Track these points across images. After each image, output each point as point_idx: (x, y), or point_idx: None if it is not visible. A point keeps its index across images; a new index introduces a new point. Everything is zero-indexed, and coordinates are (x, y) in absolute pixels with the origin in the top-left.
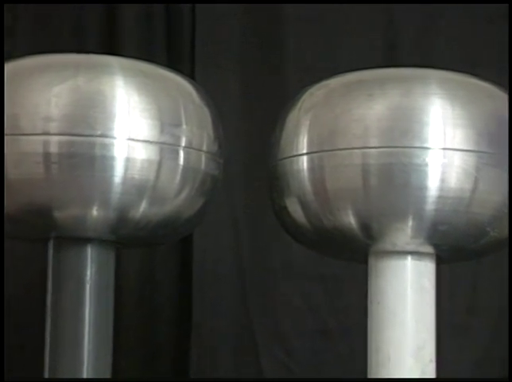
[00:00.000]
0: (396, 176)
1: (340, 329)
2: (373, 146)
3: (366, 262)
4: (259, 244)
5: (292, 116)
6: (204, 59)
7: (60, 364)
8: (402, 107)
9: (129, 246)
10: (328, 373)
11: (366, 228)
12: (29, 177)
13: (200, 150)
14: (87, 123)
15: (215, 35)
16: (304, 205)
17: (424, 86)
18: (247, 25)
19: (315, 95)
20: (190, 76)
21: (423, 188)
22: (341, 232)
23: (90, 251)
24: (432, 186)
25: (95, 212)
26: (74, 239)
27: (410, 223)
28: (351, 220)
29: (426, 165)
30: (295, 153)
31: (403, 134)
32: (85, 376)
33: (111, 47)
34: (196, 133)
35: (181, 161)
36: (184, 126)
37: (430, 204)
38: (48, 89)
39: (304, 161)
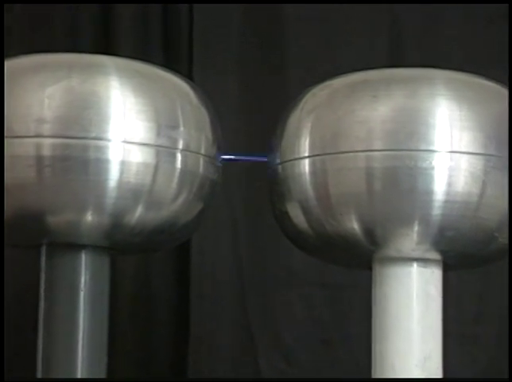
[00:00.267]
0: (401, 180)
1: (343, 338)
2: (377, 148)
3: (369, 269)
4: (259, 250)
5: (294, 118)
6: (202, 59)
7: (53, 374)
8: (408, 109)
9: (125, 252)
10: None
11: (370, 233)
12: (20, 181)
13: (198, 153)
14: (80, 125)
15: (213, 34)
16: (305, 210)
17: (431, 87)
18: (247, 24)
19: (317, 96)
20: (188, 76)
21: (429, 192)
22: (344, 238)
23: (84, 258)
24: (439, 190)
25: (89, 217)
26: (67, 245)
27: (416, 228)
28: (354, 225)
29: (432, 168)
30: (296, 157)
31: (408, 136)
32: None
33: (107, 47)
34: (194, 135)
35: (178, 164)
36: (182, 128)
37: (436, 209)
38: (40, 90)
39: (305, 165)
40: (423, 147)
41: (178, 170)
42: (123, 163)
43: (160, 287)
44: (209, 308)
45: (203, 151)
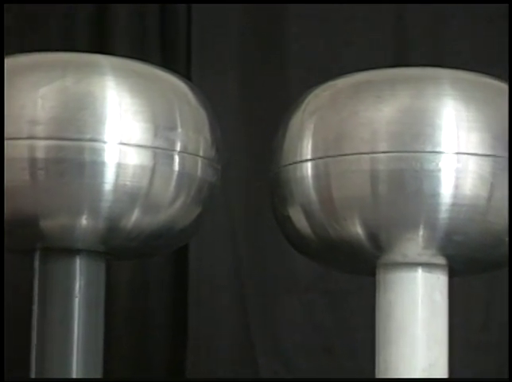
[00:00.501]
0: (407, 182)
1: (346, 345)
2: (382, 150)
3: (374, 274)
4: (259, 255)
5: (296, 119)
6: (201, 58)
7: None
8: (413, 110)
9: (121, 257)
10: None
11: (374, 238)
12: (13, 184)
13: (197, 155)
14: (75, 127)
15: (212, 33)
16: (308, 214)
17: (437, 86)
18: (246, 23)
19: (320, 97)
20: (186, 76)
21: (435, 195)
22: (348, 243)
23: (78, 263)
24: (446, 193)
25: (84, 221)
26: (62, 250)
27: (422, 232)
28: (358, 230)
29: (439, 170)
30: (299, 159)
31: (414, 137)
32: None
33: (102, 46)
34: (192, 137)
35: (176, 166)
36: (180, 130)
37: (443, 213)
38: (34, 90)
39: (308, 168)
40: (429, 149)
41: (176, 173)
42: (119, 166)
43: (158, 292)
44: (207, 314)
45: (201, 153)
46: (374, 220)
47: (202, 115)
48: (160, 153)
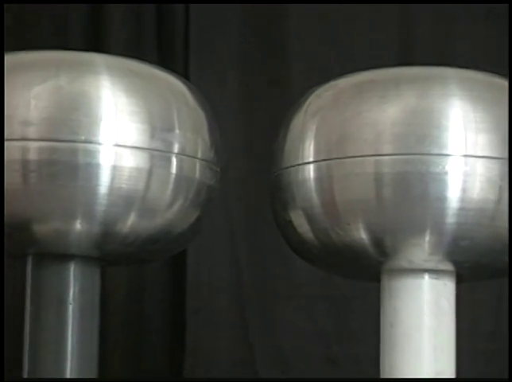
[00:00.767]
0: (412, 186)
1: (349, 355)
2: (386, 153)
3: (378, 280)
4: (259, 260)
5: (297, 120)
6: (199, 57)
7: None
8: (419, 110)
9: (116, 263)
10: None
11: (379, 243)
12: (5, 187)
13: (195, 157)
14: (69, 128)
15: (210, 31)
16: (310, 219)
17: (443, 86)
18: (246, 21)
19: (322, 97)
20: (183, 75)
21: (442, 199)
22: (351, 249)
23: (72, 269)
24: (453, 197)
25: (78, 225)
26: (55, 255)
27: (428, 238)
28: (362, 234)
29: (446, 173)
30: (300, 162)
31: (420, 139)
32: None
33: (97, 44)
34: (190, 138)
35: (174, 169)
36: (177, 131)
37: (450, 217)
38: (26, 90)
39: (310, 170)
40: (435, 151)
41: (173, 175)
42: (115, 168)
43: (155, 297)
44: (206, 320)
45: (199, 155)
46: (379, 224)
47: (200, 116)
48: (157, 155)
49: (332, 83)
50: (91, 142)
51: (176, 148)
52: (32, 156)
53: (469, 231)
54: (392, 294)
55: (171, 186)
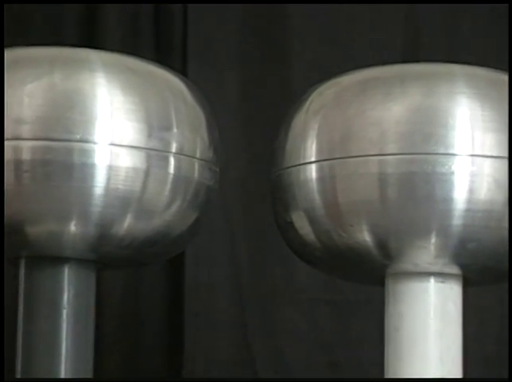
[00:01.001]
0: (417, 186)
1: (353, 360)
2: (391, 152)
3: (382, 284)
4: (259, 263)
5: (299, 119)
6: (197, 53)
7: None
8: (425, 108)
9: (112, 266)
10: None
11: (383, 246)
12: None
13: (193, 157)
14: (64, 127)
15: (210, 26)
16: (312, 220)
17: (450, 84)
18: (246, 17)
19: (324, 95)
20: (181, 72)
21: (448, 200)
22: (354, 251)
23: (67, 273)
24: (459, 198)
25: (72, 227)
26: (49, 258)
27: (434, 240)
28: (366, 237)
29: (452, 173)
30: (302, 161)
31: (426, 138)
32: None
33: (92, 40)
34: (189, 137)
35: (171, 169)
36: (175, 130)
37: (456, 219)
38: (19, 87)
39: (312, 170)
40: (442, 151)
41: (171, 176)
42: (110, 168)
43: (152, 301)
44: (204, 326)
45: (198, 155)
46: (383, 226)
47: (199, 114)
48: (154, 154)
49: (335, 80)
50: (86, 142)
51: (173, 147)
52: (26, 156)
53: (476, 234)
54: (397, 298)
55: (169, 187)
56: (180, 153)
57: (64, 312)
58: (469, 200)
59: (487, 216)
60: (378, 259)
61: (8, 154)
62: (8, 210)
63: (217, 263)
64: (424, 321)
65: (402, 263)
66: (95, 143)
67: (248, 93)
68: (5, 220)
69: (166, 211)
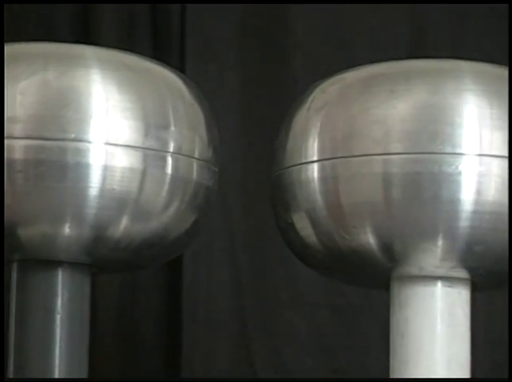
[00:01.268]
0: (423, 187)
1: (357, 367)
2: (396, 151)
3: (387, 288)
4: (260, 266)
5: (300, 116)
6: (196, 49)
7: None
8: (431, 106)
9: (108, 270)
10: None
11: (387, 248)
12: None
13: (191, 157)
14: (57, 125)
15: (209, 22)
16: (314, 222)
17: (457, 81)
18: (246, 11)
19: (327, 92)
20: (179, 69)
21: (455, 201)
22: (358, 254)
23: (61, 276)
24: (466, 199)
25: (66, 229)
26: (42, 261)
27: (440, 242)
28: (369, 239)
29: (459, 174)
30: (303, 161)
31: (432, 137)
32: None
33: (87, 36)
34: (187, 136)
35: (169, 169)
36: (173, 129)
37: (464, 221)
38: (12, 85)
39: (314, 170)
40: (448, 150)
41: (169, 176)
42: (106, 168)
43: (149, 305)
44: (203, 329)
45: (196, 154)
46: (387, 228)
47: (197, 112)
48: (151, 154)
49: (338, 76)
50: (80, 141)
51: (171, 147)
52: (18, 155)
53: (484, 236)
54: (402, 302)
55: (166, 187)
56: (178, 152)
57: (58, 317)
58: (477, 202)
59: (495, 218)
60: (383, 262)
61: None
62: None
63: (216, 264)
64: (431, 326)
65: (407, 267)
66: (89, 142)
67: (248, 90)
68: None
69: (164, 212)
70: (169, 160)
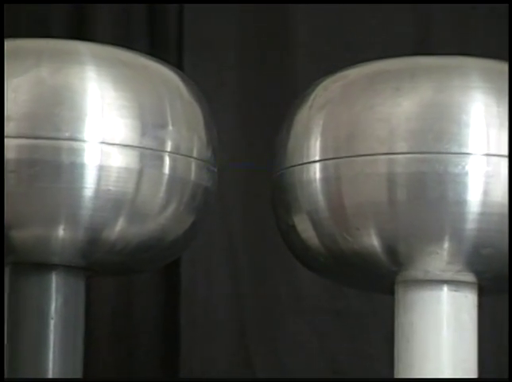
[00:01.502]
0: (429, 188)
1: (360, 374)
2: (401, 151)
3: (392, 293)
4: (260, 270)
5: (302, 115)
6: (194, 45)
7: None
8: (436, 104)
9: (103, 273)
10: None
11: (392, 251)
12: None
13: (190, 157)
14: (51, 124)
15: (207, 18)
16: (316, 223)
17: (464, 78)
18: (246, 7)
19: (329, 89)
20: (177, 65)
21: (462, 202)
22: (361, 257)
23: (54, 280)
24: (473, 200)
25: (61, 231)
26: (35, 265)
27: (446, 245)
28: (373, 241)
29: (466, 174)
30: (305, 161)
31: (437, 136)
32: None
33: (81, 32)
34: (185, 135)
35: (166, 169)
36: (171, 128)
37: (470, 223)
38: (5, 82)
39: (316, 170)
40: (455, 149)
41: (166, 176)
42: (101, 168)
43: (145, 311)
44: (201, 335)
45: (195, 154)
46: (392, 230)
47: (196, 111)
48: (148, 154)
49: (341, 73)
50: (75, 140)
51: (169, 146)
52: (11, 155)
53: (491, 239)
54: (407, 307)
55: (163, 188)
56: (175, 152)
57: (52, 322)
58: (484, 203)
59: (503, 220)
60: (387, 265)
61: None
62: None
63: (215, 267)
64: (437, 332)
65: (413, 270)
66: (84, 141)
67: (248, 88)
68: None
69: (161, 214)
70: (167, 160)
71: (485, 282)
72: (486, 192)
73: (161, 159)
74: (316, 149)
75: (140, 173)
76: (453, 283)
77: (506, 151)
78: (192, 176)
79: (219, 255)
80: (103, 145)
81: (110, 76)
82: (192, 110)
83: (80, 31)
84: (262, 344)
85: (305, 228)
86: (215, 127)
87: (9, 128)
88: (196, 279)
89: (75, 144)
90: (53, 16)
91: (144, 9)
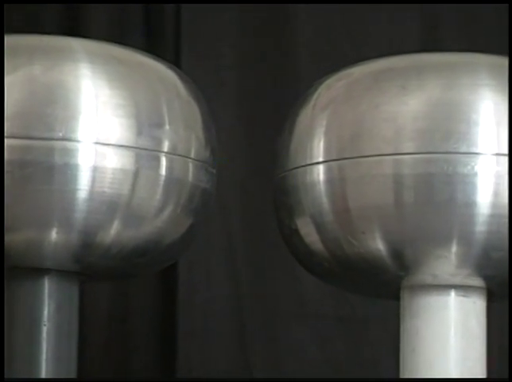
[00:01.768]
0: (437, 189)
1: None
2: (407, 151)
3: (398, 298)
4: (261, 275)
5: (305, 115)
6: (192, 42)
7: None
8: (444, 103)
9: (98, 278)
10: None
11: (398, 255)
12: None
13: (187, 157)
14: (44, 123)
15: (206, 14)
16: (319, 227)
17: (472, 75)
18: (246, 7)
19: (333, 88)
20: (174, 63)
21: (471, 204)
22: (367, 261)
23: (47, 285)
24: (483, 202)
25: (54, 235)
26: (28, 269)
27: (455, 249)
28: (379, 245)
29: (475, 175)
30: (308, 162)
31: (446, 136)
32: None
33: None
34: (182, 135)
35: (163, 170)
36: (167, 127)
37: (480, 225)
38: None
39: (319, 172)
40: (463, 149)
41: (163, 178)
42: (96, 169)
43: (141, 317)
44: (200, 343)
45: (193, 155)
46: (398, 233)
47: (194, 110)
48: (144, 154)
49: (345, 71)
50: (69, 140)
51: (166, 146)
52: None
53: (502, 241)
54: (413, 313)
55: (160, 190)
56: (172, 152)
57: (44, 329)
58: (494, 205)
59: None
60: (393, 270)
61: None
62: None
63: (213, 274)
64: (444, 339)
65: (420, 275)
66: (78, 142)
67: (248, 86)
68: None
69: (157, 216)
70: (163, 160)
71: (494, 287)
72: (496, 194)
73: (158, 160)
74: (319, 150)
75: (136, 175)
76: (461, 288)
77: None
78: (190, 177)
79: (218, 256)
80: (98, 145)
81: (104, 74)
82: (189, 109)
83: (75, 31)
84: (261, 346)
85: (309, 232)
86: (213, 127)
87: None
88: (195, 280)
89: (68, 144)
90: (47, 16)
91: (140, 9)
